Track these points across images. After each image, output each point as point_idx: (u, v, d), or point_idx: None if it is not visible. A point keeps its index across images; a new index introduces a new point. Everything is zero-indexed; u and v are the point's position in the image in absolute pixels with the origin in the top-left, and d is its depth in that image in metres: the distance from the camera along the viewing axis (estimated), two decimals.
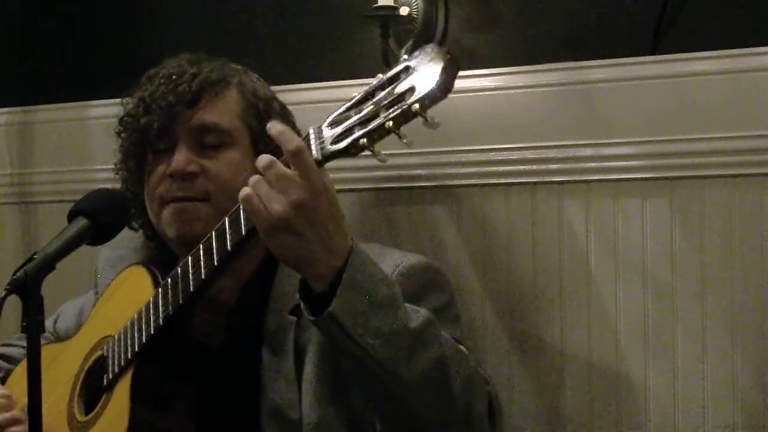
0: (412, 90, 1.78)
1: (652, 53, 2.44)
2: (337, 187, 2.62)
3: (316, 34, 2.84)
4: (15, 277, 1.92)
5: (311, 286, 1.93)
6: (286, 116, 2.36)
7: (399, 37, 2.67)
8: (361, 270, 1.93)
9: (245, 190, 1.91)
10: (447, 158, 2.60)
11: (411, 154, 2.59)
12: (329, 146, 1.85)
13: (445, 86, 1.77)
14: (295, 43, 2.87)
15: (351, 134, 1.83)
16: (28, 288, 1.91)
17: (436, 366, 1.98)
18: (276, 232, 1.89)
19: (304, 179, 1.86)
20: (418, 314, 1.99)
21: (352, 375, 2.03)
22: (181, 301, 2.09)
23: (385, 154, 1.83)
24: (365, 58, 2.75)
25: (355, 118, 1.83)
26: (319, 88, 2.76)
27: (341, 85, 2.73)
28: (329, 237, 1.90)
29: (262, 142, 2.26)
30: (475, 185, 2.59)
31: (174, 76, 2.29)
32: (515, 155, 2.54)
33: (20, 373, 2.45)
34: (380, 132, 1.81)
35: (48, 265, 1.94)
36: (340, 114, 1.85)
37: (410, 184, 2.65)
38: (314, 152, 1.86)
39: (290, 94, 2.73)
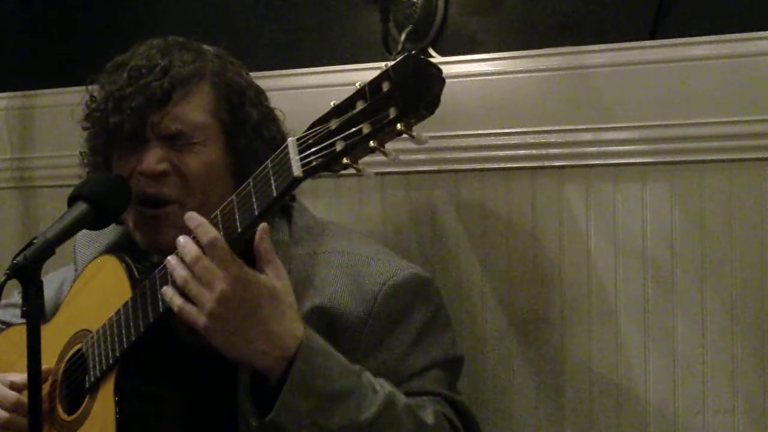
0: (395, 106, 1.70)
1: (652, 38, 2.44)
2: None
3: (316, 19, 2.83)
4: (15, 261, 1.92)
5: (266, 375, 1.93)
6: (261, 103, 2.29)
7: (399, 21, 2.66)
8: (312, 363, 1.91)
9: (176, 300, 1.94)
10: (447, 143, 2.60)
11: (410, 139, 2.59)
12: (312, 163, 1.79)
13: (432, 104, 1.71)
14: (295, 27, 2.86)
15: (333, 151, 1.76)
16: (28, 272, 1.91)
17: None
18: (213, 332, 1.91)
19: (225, 270, 1.86)
20: (373, 400, 1.97)
21: None
22: (161, 309, 2.06)
23: (372, 172, 1.79)
24: (365, 42, 2.74)
25: (337, 131, 1.76)
26: (318, 72, 2.75)
27: (341, 69, 2.72)
28: (268, 329, 1.89)
29: (235, 137, 2.22)
30: (475, 170, 2.59)
31: (143, 70, 2.21)
32: (515, 140, 2.54)
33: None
34: (364, 151, 1.75)
35: (48, 249, 1.95)
36: (321, 124, 1.79)
37: (410, 169, 2.65)
38: (294, 169, 1.81)
39: (289, 79, 2.74)
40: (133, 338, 2.09)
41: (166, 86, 2.20)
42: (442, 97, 1.73)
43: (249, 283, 1.90)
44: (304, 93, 2.67)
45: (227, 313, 1.89)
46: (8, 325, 2.50)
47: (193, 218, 1.94)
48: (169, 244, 2.11)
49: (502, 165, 2.56)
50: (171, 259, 1.97)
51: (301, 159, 1.81)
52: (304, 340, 1.92)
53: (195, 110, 2.21)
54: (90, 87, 2.31)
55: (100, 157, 2.30)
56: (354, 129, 1.74)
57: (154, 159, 2.19)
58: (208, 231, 1.89)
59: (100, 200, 2.07)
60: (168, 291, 1.96)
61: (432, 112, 1.72)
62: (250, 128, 2.23)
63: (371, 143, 1.73)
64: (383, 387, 2.02)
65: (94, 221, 2.08)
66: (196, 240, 1.95)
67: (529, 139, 2.53)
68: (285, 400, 1.89)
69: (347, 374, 1.97)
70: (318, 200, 2.71)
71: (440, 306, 2.25)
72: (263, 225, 1.94)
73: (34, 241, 1.96)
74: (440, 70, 1.71)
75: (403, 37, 2.63)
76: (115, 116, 2.21)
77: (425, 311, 2.18)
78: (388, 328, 2.13)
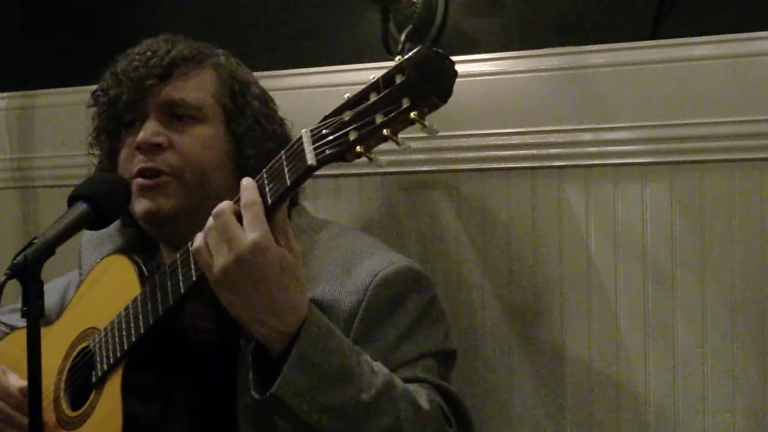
0: (409, 96, 1.73)
1: (652, 38, 2.44)
2: (339, 172, 2.64)
3: (316, 19, 2.83)
4: (15, 261, 1.92)
5: (267, 348, 1.94)
6: (265, 101, 2.32)
7: (399, 21, 2.66)
8: (313, 342, 1.91)
9: (198, 240, 1.92)
10: (447, 143, 2.60)
11: (410, 139, 2.59)
12: (326, 151, 1.80)
13: (444, 93, 1.73)
14: (295, 27, 2.86)
15: (347, 140, 1.78)
16: (28, 273, 1.91)
17: None
18: (219, 286, 1.90)
19: (253, 233, 1.86)
20: (373, 381, 1.97)
21: None
22: (171, 303, 2.07)
23: (384, 161, 1.80)
24: (365, 42, 2.74)
25: (350, 122, 1.78)
26: (319, 72, 2.75)
27: (342, 69, 2.72)
28: (273, 299, 1.89)
29: (235, 122, 2.24)
30: (475, 170, 2.59)
31: (148, 52, 2.26)
32: (515, 140, 2.54)
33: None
34: (377, 139, 1.77)
35: (48, 249, 1.95)
36: (335, 116, 1.80)
37: (410, 169, 2.65)
38: (308, 158, 1.82)
39: (290, 79, 2.74)
40: (142, 332, 2.10)
41: (167, 62, 2.24)
42: None
43: (268, 251, 1.88)
44: (305, 93, 2.66)
45: (239, 275, 1.88)
46: (12, 328, 2.51)
47: (244, 180, 1.92)
48: (166, 214, 2.16)
49: (502, 165, 2.56)
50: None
51: (315, 149, 1.82)
52: (307, 317, 1.92)
53: (195, 87, 2.25)
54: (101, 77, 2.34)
55: (104, 136, 2.32)
56: (367, 119, 1.76)
57: (150, 132, 2.21)
58: (251, 194, 1.88)
59: (100, 200, 2.08)
60: (198, 234, 1.94)
61: (445, 101, 1.74)
62: (250, 115, 2.25)
63: (384, 132, 1.75)
64: (381, 369, 2.02)
65: (94, 221, 2.08)
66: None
67: (529, 139, 2.52)
68: (286, 375, 1.89)
69: (348, 354, 1.97)
70: (318, 201, 2.71)
71: (433, 299, 2.24)
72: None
73: (34, 241, 1.96)
74: (453, 61, 1.74)
75: (403, 37, 2.63)
76: (115, 89, 2.25)
77: (417, 303, 2.18)
78: (379, 319, 2.12)
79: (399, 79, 1.74)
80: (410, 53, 1.74)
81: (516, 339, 2.56)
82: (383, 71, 1.77)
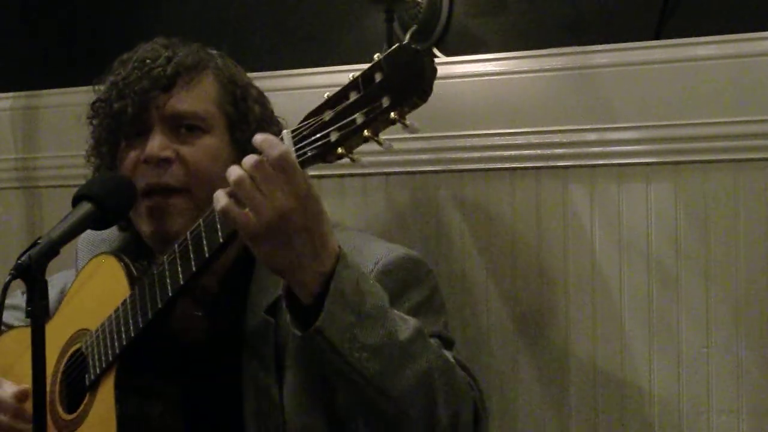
0: (388, 95, 1.71)
1: (657, 38, 2.44)
2: (342, 171, 2.64)
3: (321, 18, 2.84)
4: (19, 261, 1.92)
5: (297, 294, 1.89)
6: (263, 103, 2.29)
7: (404, 21, 2.67)
8: (348, 280, 1.88)
9: (222, 201, 1.87)
10: (451, 143, 2.60)
11: (415, 139, 2.59)
12: (307, 153, 1.79)
13: (424, 92, 1.70)
14: (299, 27, 2.87)
15: (328, 141, 1.76)
16: (33, 272, 1.91)
17: (423, 379, 1.94)
18: (263, 240, 1.85)
19: (290, 184, 1.81)
20: (407, 324, 1.94)
21: (336, 385, 1.98)
22: (160, 305, 2.05)
23: (365, 159, 1.79)
24: (370, 42, 2.74)
25: (331, 122, 1.76)
26: (324, 72, 2.75)
27: (345, 70, 2.71)
28: (315, 243, 1.85)
29: (238, 129, 2.22)
30: (480, 170, 2.59)
31: (148, 60, 2.21)
32: (520, 140, 2.54)
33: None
34: (359, 140, 1.75)
35: (52, 249, 1.94)
36: (315, 116, 1.79)
37: (415, 169, 2.65)
38: None
39: (295, 79, 2.74)
40: (133, 335, 2.09)
41: (170, 72, 2.20)
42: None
43: (310, 200, 1.85)
44: (310, 93, 2.65)
45: (283, 227, 1.83)
46: (9, 327, 2.50)
47: (256, 138, 1.87)
48: (176, 232, 2.12)
49: (507, 165, 2.56)
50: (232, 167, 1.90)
51: (297, 150, 1.80)
52: (341, 255, 1.89)
53: (199, 98, 2.22)
54: (95, 87, 2.32)
55: (105, 148, 2.28)
56: (348, 119, 1.74)
57: (158, 145, 2.18)
58: (276, 144, 1.83)
59: (105, 200, 2.07)
60: (220, 192, 1.88)
61: (425, 100, 1.71)
62: (252, 121, 2.23)
63: (365, 132, 1.73)
64: (411, 317, 2.00)
65: (99, 221, 2.07)
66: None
67: (534, 139, 2.53)
68: (328, 310, 1.85)
69: (381, 295, 1.94)
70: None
71: (435, 289, 2.22)
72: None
73: (39, 241, 1.95)
74: (432, 59, 1.72)
75: (407, 37, 2.63)
76: (119, 102, 2.21)
77: (420, 292, 2.16)
78: None
79: (378, 78, 1.73)
80: (388, 51, 1.73)
81: (521, 338, 2.56)
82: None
